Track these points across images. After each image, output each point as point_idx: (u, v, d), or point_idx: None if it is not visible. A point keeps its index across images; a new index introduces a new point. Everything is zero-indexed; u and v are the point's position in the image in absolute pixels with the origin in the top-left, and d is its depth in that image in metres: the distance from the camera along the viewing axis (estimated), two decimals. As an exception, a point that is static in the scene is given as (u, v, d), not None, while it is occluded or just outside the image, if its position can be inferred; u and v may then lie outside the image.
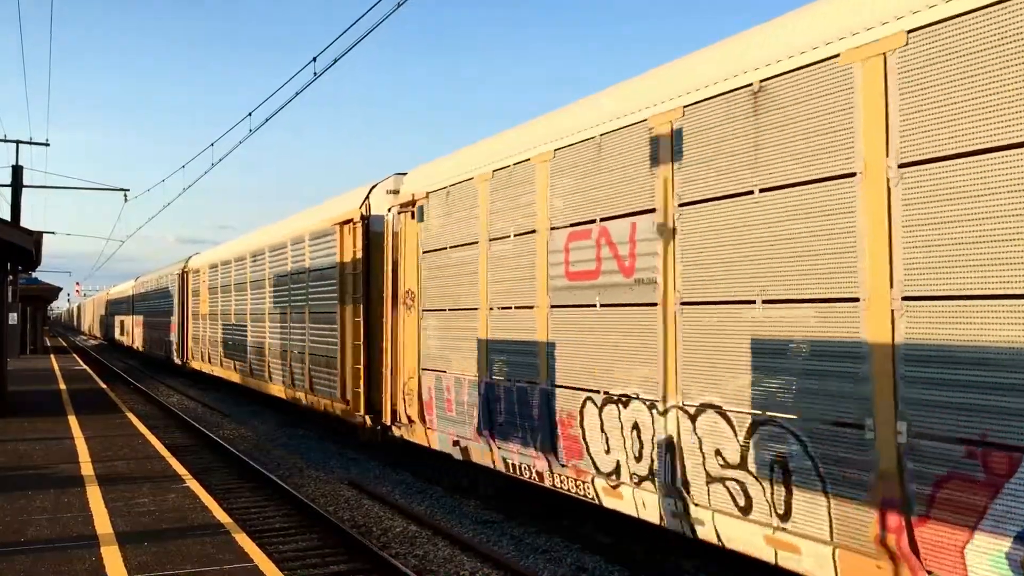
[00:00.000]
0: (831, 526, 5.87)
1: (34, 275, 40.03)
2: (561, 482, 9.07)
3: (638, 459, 7.78)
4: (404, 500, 12.41)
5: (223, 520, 8.66)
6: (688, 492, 7.16)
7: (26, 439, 14.29)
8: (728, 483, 6.73)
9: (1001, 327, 4.86)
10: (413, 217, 12.68)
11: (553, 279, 9.13)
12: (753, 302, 6.52)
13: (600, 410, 8.29)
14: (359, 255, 14.54)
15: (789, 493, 6.18)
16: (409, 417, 12.68)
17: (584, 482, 8.66)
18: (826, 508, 5.90)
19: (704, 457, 6.96)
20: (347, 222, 15.14)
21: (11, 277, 24.65)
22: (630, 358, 7.89)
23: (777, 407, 6.28)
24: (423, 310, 12.23)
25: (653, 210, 7.64)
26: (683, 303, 7.24)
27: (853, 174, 5.74)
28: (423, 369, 12.16)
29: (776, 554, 6.31)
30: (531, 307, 9.54)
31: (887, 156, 5.51)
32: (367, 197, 14.70)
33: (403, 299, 12.97)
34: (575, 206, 8.79)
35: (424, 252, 12.25)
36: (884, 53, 5.55)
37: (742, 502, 6.59)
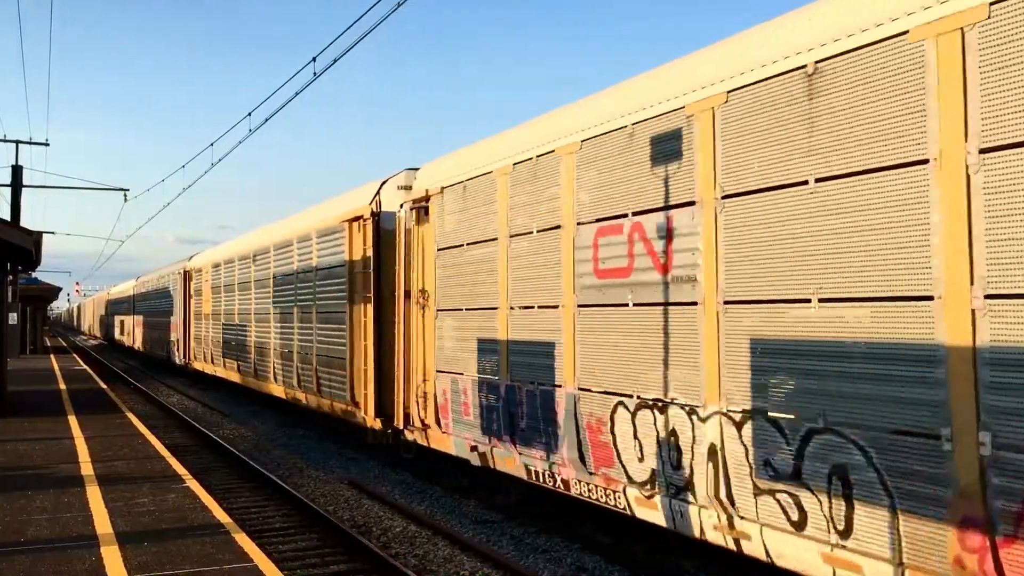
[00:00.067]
0: (899, 544, 5.40)
1: (34, 275, 39.97)
2: (589, 491, 8.60)
3: (675, 468, 7.31)
4: (404, 500, 12.30)
5: (223, 520, 8.62)
6: (733, 504, 6.69)
7: (26, 439, 14.19)
8: (779, 495, 6.26)
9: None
10: (427, 213, 12.21)
11: (580, 277, 8.65)
12: (808, 301, 6.05)
13: (633, 416, 7.82)
14: (370, 253, 14.07)
15: (850, 508, 5.71)
16: (423, 421, 12.21)
17: (615, 492, 8.19)
18: (894, 525, 5.42)
19: (751, 467, 6.49)
20: (357, 219, 14.66)
21: (11, 277, 24.63)
22: (667, 361, 7.42)
23: (837, 414, 5.80)
24: (438, 310, 11.76)
25: (693, 203, 7.17)
26: (727, 302, 6.76)
27: (925, 160, 5.26)
28: (438, 371, 11.69)
29: (834, 573, 5.84)
30: (556, 307, 9.07)
31: (966, 141, 5.04)
32: (378, 193, 14.23)
33: (416, 298, 12.50)
34: (604, 200, 8.32)
35: (439, 249, 11.78)
36: (962, 28, 5.07)
37: (795, 516, 6.12)
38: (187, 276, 30.61)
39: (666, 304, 7.46)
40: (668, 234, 7.44)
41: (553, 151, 9.18)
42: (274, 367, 19.89)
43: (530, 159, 9.62)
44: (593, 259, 8.45)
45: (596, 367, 8.38)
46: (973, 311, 4.96)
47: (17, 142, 34.86)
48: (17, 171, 33.29)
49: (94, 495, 9.84)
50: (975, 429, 4.92)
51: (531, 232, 9.55)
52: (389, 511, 11.67)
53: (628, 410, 7.90)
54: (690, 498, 7.16)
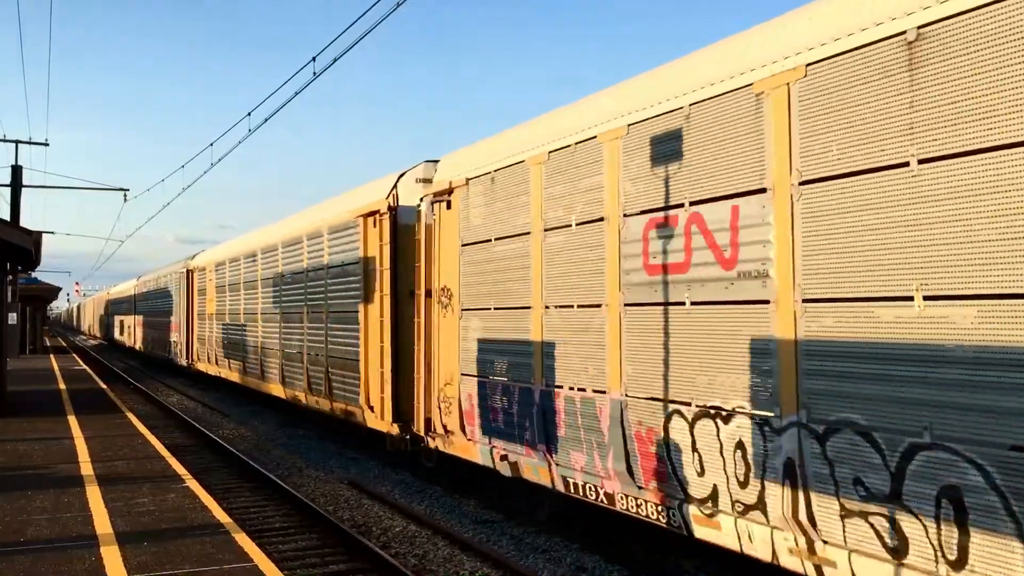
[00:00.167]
0: (1028, 579, 4.69)
1: (34, 275, 39.89)
2: (638, 507, 7.89)
3: (743, 484, 6.59)
4: (404, 500, 12.26)
5: (223, 520, 8.62)
6: (814, 527, 5.97)
7: (26, 439, 14.14)
8: (872, 518, 5.54)
9: None
10: (449, 207, 11.49)
11: (627, 273, 7.94)
12: (910, 298, 5.33)
13: (691, 426, 7.11)
14: (386, 249, 13.35)
15: (964, 534, 5.00)
16: (446, 427, 11.50)
17: (668, 508, 7.48)
18: (1022, 556, 4.71)
19: (838, 485, 5.78)
20: (372, 214, 13.94)
21: (11, 277, 24.54)
22: (732, 365, 6.71)
23: (947, 428, 5.09)
24: (463, 309, 11.05)
25: (763, 190, 6.46)
26: (807, 300, 6.05)
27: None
28: (464, 374, 10.97)
29: (943, 608, 5.13)
30: (598, 305, 8.36)
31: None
32: (395, 187, 13.51)
33: (438, 297, 11.78)
34: (656, 189, 7.61)
35: (463, 245, 11.07)
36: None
37: (893, 542, 5.41)
38: (190, 275, 29.88)
39: (731, 303, 6.75)
40: (733, 225, 6.73)
41: (594, 137, 8.47)
42: (282, 369, 19.17)
43: (567, 147, 8.91)
44: (643, 254, 7.74)
45: (646, 372, 7.67)
46: None
47: (17, 142, 34.81)
48: (17, 171, 33.25)
49: (94, 495, 9.79)
50: None
51: (569, 225, 8.85)
52: (389, 511, 11.60)
53: (685, 419, 7.19)
54: (761, 518, 6.44)
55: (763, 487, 6.40)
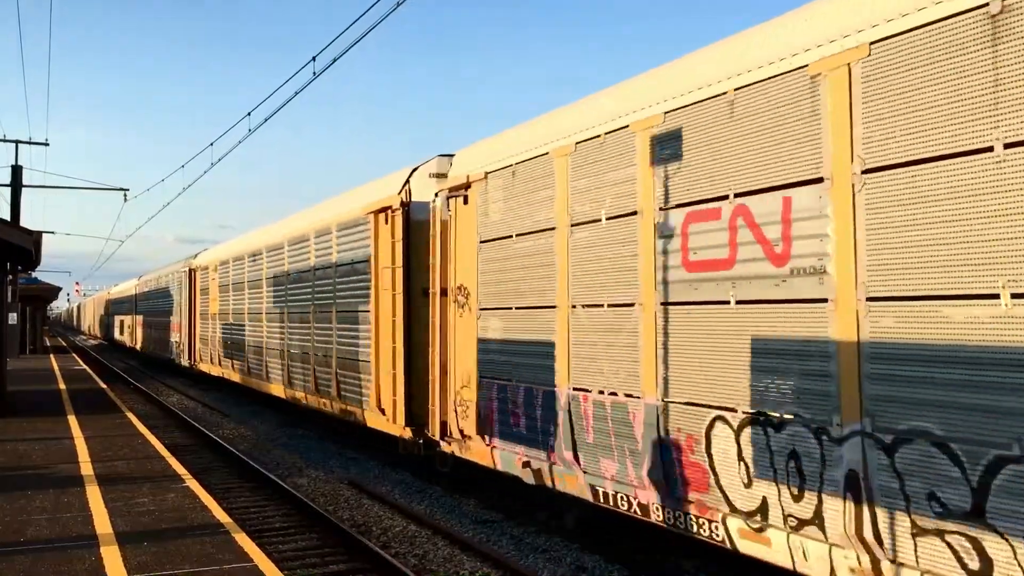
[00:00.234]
0: None
1: (34, 275, 39.81)
2: (675, 519, 7.41)
3: (796, 497, 6.12)
4: (404, 499, 12.21)
5: (223, 520, 8.59)
6: (881, 545, 5.50)
7: (26, 439, 14.10)
8: (950, 537, 5.07)
9: None
10: (466, 203, 11.02)
11: (664, 271, 7.46)
12: (995, 296, 4.86)
13: (737, 433, 6.63)
14: (399, 247, 12.87)
15: (1061, 558, 4.52)
16: (463, 431, 11.02)
17: (710, 521, 7.00)
18: None
19: (909, 501, 5.30)
20: (383, 210, 13.46)
21: (11, 277, 24.50)
22: (783, 369, 6.23)
23: (1040, 439, 4.61)
24: (481, 309, 10.57)
25: (820, 180, 5.98)
26: (872, 298, 5.57)
27: None
28: (482, 377, 10.49)
29: (1034, 638, 4.66)
30: (631, 304, 7.88)
31: None
32: (407, 182, 13.04)
33: (454, 296, 11.31)
34: (697, 180, 7.13)
35: (482, 242, 10.59)
36: None
37: (976, 565, 4.93)
38: (192, 274, 29.40)
39: (782, 301, 6.27)
40: (785, 218, 6.25)
41: (627, 127, 7.99)
42: (288, 370, 18.69)
43: (596, 137, 8.43)
44: (682, 249, 7.26)
45: (686, 375, 7.19)
46: None
47: (17, 142, 34.72)
48: (17, 171, 33.18)
49: (94, 495, 9.78)
50: None
51: (599, 220, 8.37)
52: (389, 511, 11.57)
53: (730, 426, 6.71)
54: (817, 534, 5.96)
55: (820, 501, 5.92)
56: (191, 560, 7.16)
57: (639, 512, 7.89)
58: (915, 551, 5.28)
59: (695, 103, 7.16)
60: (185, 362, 30.54)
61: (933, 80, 5.23)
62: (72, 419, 16.93)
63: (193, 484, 10.44)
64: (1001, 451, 4.78)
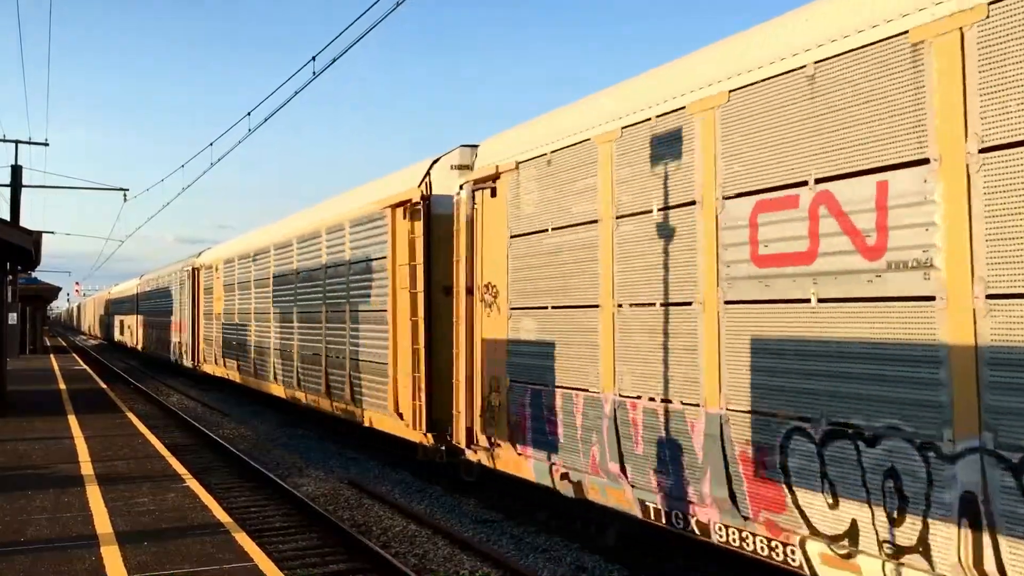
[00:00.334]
0: None
1: (34, 275, 39.49)
2: (742, 540, 6.70)
3: (895, 521, 5.40)
4: (404, 499, 12.18)
5: (223, 519, 8.57)
6: (1005, 579, 4.79)
7: (26, 439, 14.05)
8: (1097, 573, 4.36)
9: None
10: (494, 195, 10.30)
11: (728, 266, 6.75)
12: None
13: (820, 447, 5.92)
14: (419, 243, 12.16)
15: None
16: (491, 439, 10.31)
17: (785, 544, 6.29)
18: None
19: (1042, 529, 4.59)
20: (402, 204, 12.74)
21: (11, 277, 24.49)
22: (878, 376, 5.52)
23: None
24: (512, 308, 9.86)
25: (925, 161, 5.26)
26: (993, 296, 4.86)
27: None
28: (514, 381, 9.78)
29: None
30: (688, 303, 7.17)
31: None
32: (427, 174, 12.33)
33: (481, 295, 10.60)
34: (767, 164, 6.42)
35: (512, 237, 9.88)
36: None
37: None
38: (196, 273, 28.69)
39: (876, 299, 5.55)
40: (880, 205, 5.54)
41: (683, 108, 7.28)
42: (298, 372, 17.97)
43: (646, 120, 7.72)
44: (750, 242, 6.54)
45: (756, 381, 6.48)
46: None
47: (17, 142, 34.57)
48: (17, 171, 33.04)
49: (94, 495, 9.75)
50: None
51: (648, 211, 7.66)
52: (389, 510, 11.54)
53: (811, 439, 5.99)
54: (922, 563, 5.25)
55: (926, 526, 5.21)
56: (191, 560, 7.13)
57: (697, 531, 7.18)
58: (1051, 588, 4.57)
59: (766, 79, 6.45)
60: (189, 363, 29.83)
61: (1072, 43, 4.53)
62: (72, 419, 16.81)
63: (193, 484, 10.41)
64: None
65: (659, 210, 7.54)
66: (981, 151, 4.94)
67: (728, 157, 6.77)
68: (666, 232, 7.45)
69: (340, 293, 15.48)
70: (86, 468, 11.47)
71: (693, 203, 7.14)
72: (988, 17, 4.93)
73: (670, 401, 7.36)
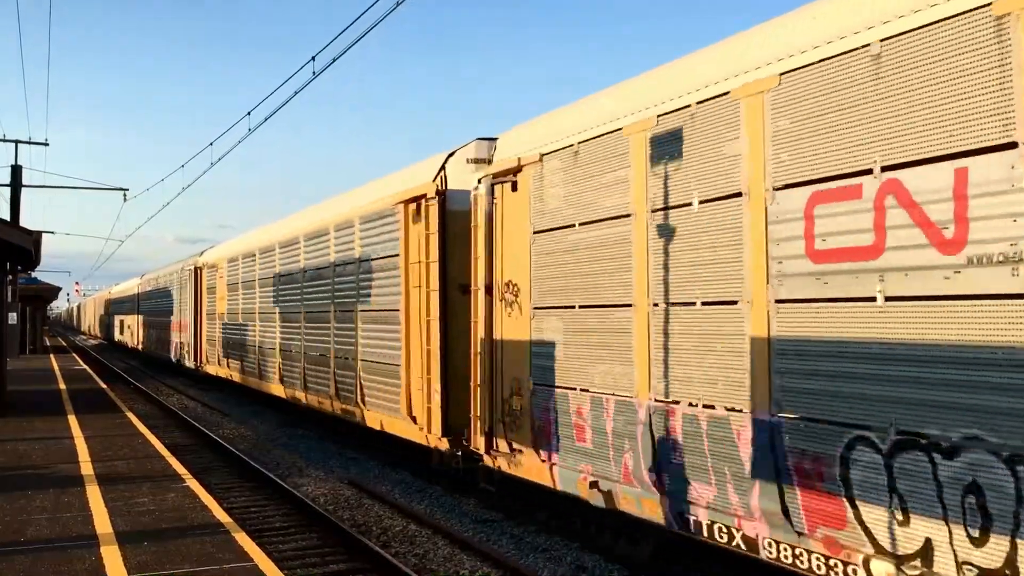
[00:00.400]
0: None
1: (34, 275, 39.23)
2: (795, 556, 6.22)
3: (978, 542, 4.93)
4: (404, 499, 12.13)
5: (223, 519, 8.55)
6: (1112, 608, 4.31)
7: (26, 439, 14.01)
8: None
9: None
10: (515, 189, 9.82)
11: (780, 262, 6.27)
12: None
13: (888, 458, 5.44)
14: (434, 240, 11.69)
15: None
16: (512, 445, 9.84)
17: (846, 563, 5.81)
18: None
19: None
20: (415, 200, 12.27)
21: (11, 277, 24.39)
22: (957, 382, 5.04)
23: None
24: (535, 307, 9.38)
25: (1013, 145, 4.79)
26: (1097, 293, 4.39)
27: None
28: (537, 384, 9.31)
29: None
30: (733, 302, 6.69)
31: None
32: (442, 168, 11.85)
33: (501, 293, 10.12)
34: (826, 152, 5.94)
35: (535, 232, 9.41)
36: None
37: None
38: (198, 272, 28.21)
39: (954, 298, 5.08)
40: (959, 194, 5.06)
41: (726, 94, 6.81)
42: (306, 374, 17.50)
43: (685, 107, 7.25)
44: (806, 236, 6.07)
45: (812, 386, 6.00)
46: None
47: (17, 142, 34.45)
48: (17, 171, 32.91)
49: (94, 495, 9.72)
50: None
51: (688, 204, 7.18)
52: (389, 510, 11.50)
53: (876, 449, 5.52)
54: (1010, 588, 4.78)
55: (1014, 547, 4.73)
56: (191, 560, 7.12)
57: (743, 546, 6.70)
58: None
59: (823, 60, 5.97)
60: (191, 363, 29.36)
61: None
62: (72, 419, 16.72)
63: (193, 484, 10.39)
64: None
65: (700, 203, 7.06)
66: (1081, 133, 4.46)
67: (777, 144, 6.30)
68: (708, 226, 6.97)
69: (350, 292, 15.00)
70: (86, 468, 11.41)
71: (739, 195, 6.66)
72: (1089, -15, 4.45)
73: (712, 407, 6.89)
